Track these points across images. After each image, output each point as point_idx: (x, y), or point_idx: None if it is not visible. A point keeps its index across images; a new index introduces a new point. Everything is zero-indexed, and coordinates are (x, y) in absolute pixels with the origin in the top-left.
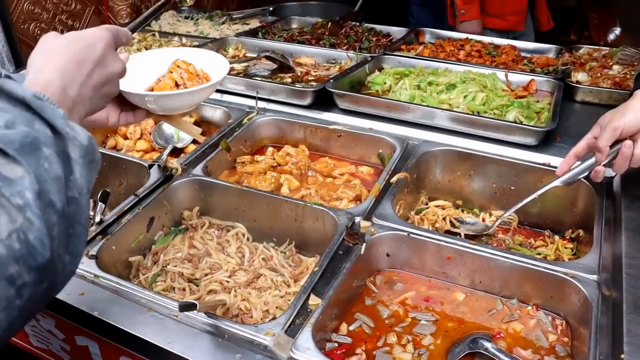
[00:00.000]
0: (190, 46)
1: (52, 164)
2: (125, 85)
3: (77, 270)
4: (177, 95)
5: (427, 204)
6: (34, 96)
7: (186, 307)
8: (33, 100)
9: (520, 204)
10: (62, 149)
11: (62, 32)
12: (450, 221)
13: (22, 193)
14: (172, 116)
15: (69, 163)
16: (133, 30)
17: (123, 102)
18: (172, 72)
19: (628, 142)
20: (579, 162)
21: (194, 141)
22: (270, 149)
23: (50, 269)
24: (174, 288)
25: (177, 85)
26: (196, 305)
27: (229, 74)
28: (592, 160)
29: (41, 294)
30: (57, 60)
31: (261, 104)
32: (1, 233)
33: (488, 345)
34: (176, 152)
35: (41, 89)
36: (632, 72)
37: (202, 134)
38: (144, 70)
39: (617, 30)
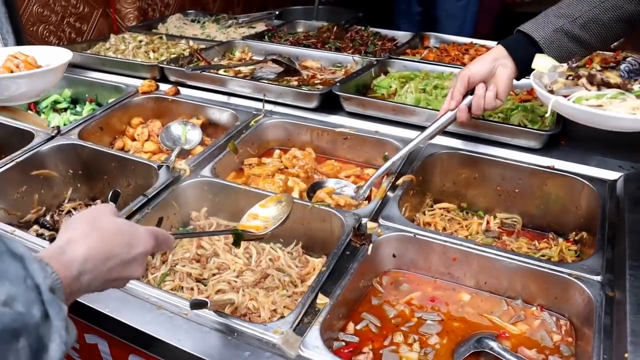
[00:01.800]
0: (197, 49)
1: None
2: None
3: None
4: (5, 79)
5: (432, 207)
6: (50, 289)
7: (197, 304)
8: (45, 292)
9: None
10: (45, 342)
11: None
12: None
13: None
14: (15, 109)
15: (45, 355)
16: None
17: None
18: (7, 62)
19: (481, 84)
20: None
21: (201, 143)
22: (277, 151)
23: None
24: (182, 288)
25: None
26: (207, 303)
27: (236, 76)
28: (451, 113)
29: None
30: (93, 243)
31: (268, 107)
32: None
33: (493, 344)
34: (184, 153)
35: (60, 267)
36: None
37: (210, 135)
38: None
39: None
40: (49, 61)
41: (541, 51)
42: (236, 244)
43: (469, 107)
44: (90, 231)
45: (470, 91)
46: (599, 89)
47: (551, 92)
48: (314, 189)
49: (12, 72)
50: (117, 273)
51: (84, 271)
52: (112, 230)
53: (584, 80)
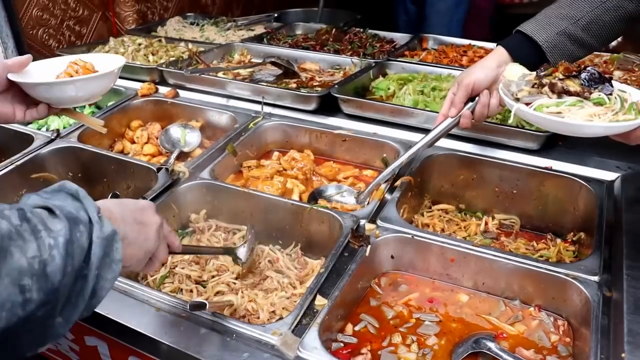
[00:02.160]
0: (196, 52)
1: (82, 237)
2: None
3: None
4: (65, 84)
5: (430, 208)
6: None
7: (196, 306)
8: (80, 192)
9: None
10: (90, 234)
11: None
12: None
13: (56, 238)
14: (72, 110)
15: (91, 245)
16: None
17: (29, 100)
18: (69, 68)
19: (486, 91)
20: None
21: (201, 145)
22: (276, 153)
23: (50, 305)
24: (181, 290)
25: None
26: (206, 304)
27: (235, 78)
28: (451, 120)
29: (37, 324)
30: (133, 252)
31: (267, 109)
32: (28, 252)
33: (491, 345)
34: (183, 156)
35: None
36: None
37: (209, 138)
38: (51, 71)
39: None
40: (106, 67)
41: (544, 54)
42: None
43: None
44: (137, 236)
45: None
46: (559, 97)
47: (517, 99)
48: (314, 196)
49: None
50: (140, 216)
51: (109, 207)
52: (152, 238)
53: (546, 89)
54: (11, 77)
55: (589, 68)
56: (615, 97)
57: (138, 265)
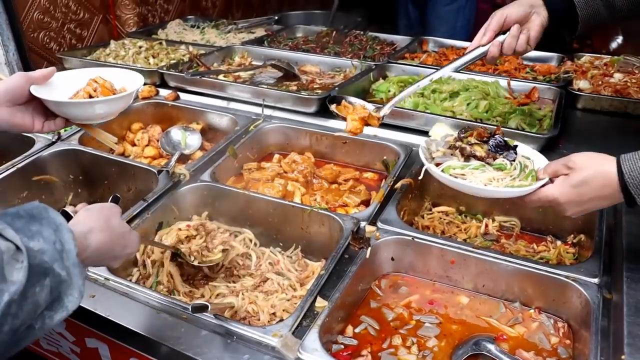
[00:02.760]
0: (197, 54)
1: (41, 293)
2: (46, 94)
3: (89, 273)
4: (84, 104)
5: (430, 210)
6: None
7: (198, 308)
8: (72, 257)
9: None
10: (62, 294)
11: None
12: None
13: (2, 292)
14: (89, 125)
15: (59, 304)
16: None
17: (48, 112)
18: (88, 86)
19: (516, 25)
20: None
21: (201, 148)
22: (277, 155)
23: None
24: (178, 291)
25: (90, 97)
26: (208, 306)
27: (235, 81)
28: (482, 49)
29: None
30: (104, 239)
31: (267, 112)
32: None
33: (491, 347)
34: (184, 158)
35: (80, 248)
36: (633, 80)
37: (209, 140)
38: (72, 85)
39: (620, 39)
40: (125, 84)
41: (574, 7)
42: (174, 259)
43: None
44: (106, 228)
45: (503, 32)
46: (467, 160)
47: (432, 159)
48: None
49: (90, 96)
50: (105, 262)
51: (89, 256)
52: (118, 232)
53: (457, 152)
54: (34, 91)
55: (497, 135)
56: (517, 164)
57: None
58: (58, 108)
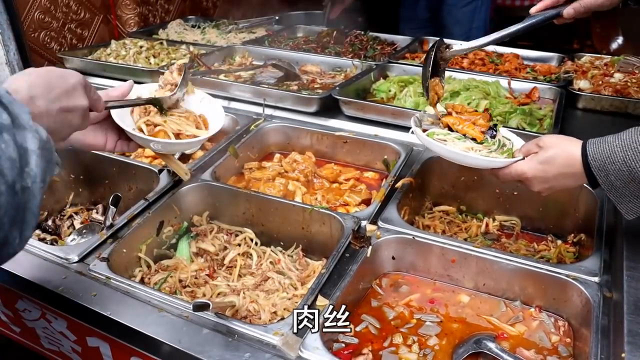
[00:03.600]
0: (198, 54)
1: (8, 147)
2: (129, 125)
3: (89, 272)
4: (175, 144)
5: (431, 209)
6: (6, 92)
7: (200, 307)
8: (4, 95)
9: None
10: (22, 141)
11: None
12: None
13: None
14: (166, 155)
15: (26, 155)
16: (110, 107)
17: (122, 130)
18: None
19: None
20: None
21: (202, 147)
22: (278, 155)
23: None
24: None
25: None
26: (209, 305)
27: (236, 81)
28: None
29: None
30: (31, 79)
31: (268, 111)
32: None
33: (492, 345)
34: (185, 157)
35: (12, 92)
36: (634, 80)
37: (210, 140)
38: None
39: (620, 39)
40: (205, 112)
41: None
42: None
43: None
44: (25, 75)
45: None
46: (451, 131)
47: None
48: None
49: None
50: (65, 102)
51: (34, 96)
52: (43, 71)
53: (442, 123)
54: (114, 115)
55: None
56: (497, 140)
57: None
58: (135, 138)
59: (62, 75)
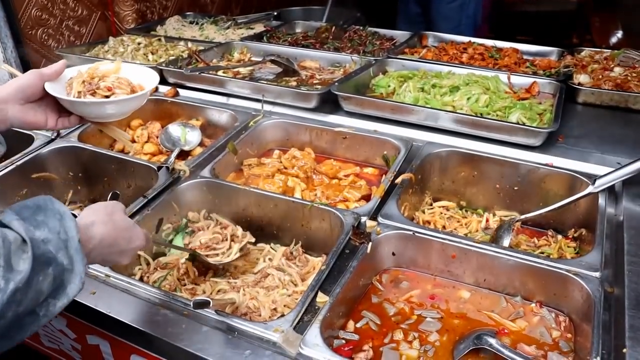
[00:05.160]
0: (196, 50)
1: (44, 282)
2: (60, 90)
3: (89, 270)
4: (101, 104)
5: (431, 205)
6: (78, 241)
7: (200, 304)
8: (73, 244)
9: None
10: (65, 282)
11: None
12: None
13: (8, 281)
14: (104, 123)
15: (62, 292)
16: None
17: (62, 108)
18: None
19: None
20: None
21: (201, 144)
22: (277, 151)
23: None
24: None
25: (107, 96)
26: (209, 302)
27: (235, 77)
28: None
29: None
30: (107, 230)
31: (267, 107)
32: None
33: (492, 341)
34: (183, 154)
35: (83, 239)
36: (634, 74)
37: (209, 136)
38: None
39: (619, 33)
40: (141, 81)
41: None
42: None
43: None
44: (108, 221)
45: None
46: None
47: None
48: None
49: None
50: (113, 257)
51: (94, 248)
52: (122, 225)
53: None
54: (48, 89)
55: None
56: None
57: None
58: (73, 107)
59: (131, 239)
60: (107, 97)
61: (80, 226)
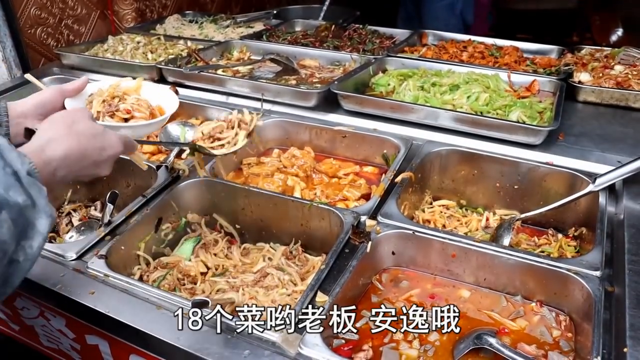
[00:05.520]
0: (195, 49)
1: (2, 228)
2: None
3: (87, 269)
4: (121, 128)
5: (431, 204)
6: (27, 173)
7: (199, 304)
8: (24, 177)
9: None
10: (31, 220)
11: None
12: None
13: None
14: None
15: (32, 231)
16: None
17: None
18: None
19: None
20: None
21: None
22: (276, 150)
23: None
24: (179, 288)
25: (126, 120)
26: (208, 302)
27: (234, 76)
28: None
29: None
30: (70, 144)
31: (266, 106)
32: None
33: (492, 340)
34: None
35: (40, 163)
36: (634, 73)
37: None
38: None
39: (620, 31)
40: (160, 102)
41: None
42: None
43: None
44: (69, 133)
45: None
46: None
47: None
48: None
49: (126, 120)
50: (88, 171)
51: (59, 167)
52: (88, 133)
53: None
54: (68, 106)
55: None
56: None
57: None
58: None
59: (103, 147)
60: (125, 119)
61: (33, 151)
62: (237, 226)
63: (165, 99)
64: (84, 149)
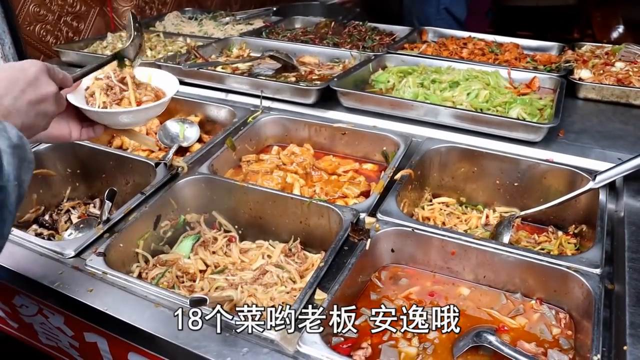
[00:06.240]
0: (195, 46)
1: None
2: (82, 100)
3: (86, 267)
4: (124, 113)
5: (431, 201)
6: None
7: (197, 301)
8: None
9: None
10: (3, 148)
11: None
12: None
13: None
14: (127, 130)
15: (2, 162)
16: (78, 78)
17: (84, 118)
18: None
19: None
20: None
21: (199, 140)
22: (275, 147)
23: None
24: (178, 285)
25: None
26: (206, 300)
27: (233, 73)
28: None
29: None
30: (13, 101)
31: (266, 103)
32: None
33: (492, 338)
34: (182, 151)
35: None
36: (635, 69)
37: (208, 132)
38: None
39: (620, 28)
40: (161, 85)
41: None
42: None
43: None
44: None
45: None
46: None
47: None
48: None
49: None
50: (32, 94)
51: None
52: (17, 67)
53: None
54: (72, 101)
55: None
56: None
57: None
58: (97, 117)
59: (22, 68)
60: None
61: None
62: (236, 225)
63: (163, 81)
64: (6, 74)
